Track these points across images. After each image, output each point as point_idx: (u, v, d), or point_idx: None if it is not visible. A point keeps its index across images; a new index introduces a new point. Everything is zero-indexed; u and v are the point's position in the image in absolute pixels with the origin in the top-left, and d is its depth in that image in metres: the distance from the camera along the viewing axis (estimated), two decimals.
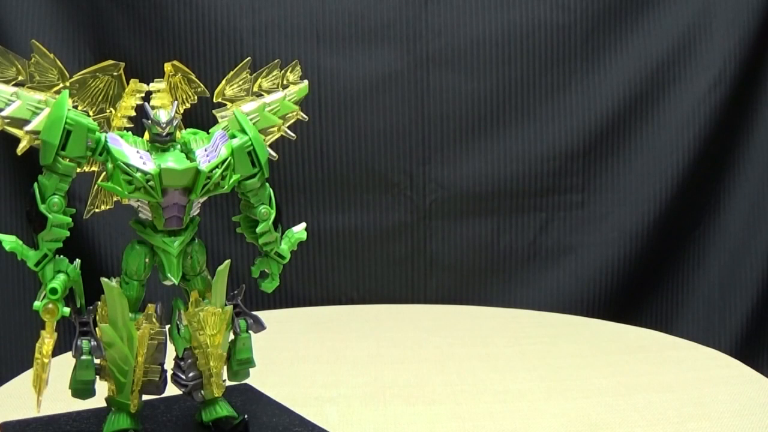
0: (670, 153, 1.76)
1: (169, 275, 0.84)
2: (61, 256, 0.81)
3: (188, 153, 0.83)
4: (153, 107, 0.83)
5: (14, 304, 1.68)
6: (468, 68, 1.73)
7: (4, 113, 0.78)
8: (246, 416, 0.89)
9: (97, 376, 0.85)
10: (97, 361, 0.84)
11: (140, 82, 0.85)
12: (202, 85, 0.88)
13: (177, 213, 0.83)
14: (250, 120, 0.87)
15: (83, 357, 0.83)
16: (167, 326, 0.87)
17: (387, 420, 0.99)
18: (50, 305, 0.79)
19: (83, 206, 0.87)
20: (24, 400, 0.99)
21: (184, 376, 0.88)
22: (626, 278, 1.79)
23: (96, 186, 0.87)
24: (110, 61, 0.84)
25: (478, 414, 1.00)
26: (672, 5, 1.75)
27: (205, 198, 0.84)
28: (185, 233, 0.85)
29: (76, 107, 0.81)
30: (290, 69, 0.92)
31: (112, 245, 1.66)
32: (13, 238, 0.80)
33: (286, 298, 1.71)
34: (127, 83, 0.85)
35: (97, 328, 0.83)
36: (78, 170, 0.81)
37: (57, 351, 0.83)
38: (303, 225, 0.94)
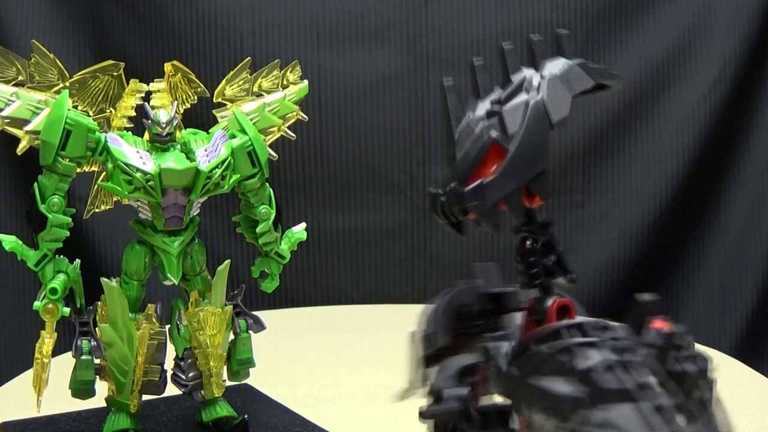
0: (670, 153, 1.76)
1: (169, 275, 0.84)
2: (61, 256, 0.81)
3: (188, 153, 0.83)
4: (153, 107, 0.83)
5: (14, 304, 1.67)
6: (468, 68, 1.73)
7: (4, 113, 0.78)
8: (246, 416, 0.89)
9: (97, 376, 0.85)
10: (97, 361, 0.84)
11: (140, 82, 0.86)
12: (202, 85, 0.88)
13: (177, 213, 0.83)
14: (250, 120, 0.87)
15: (83, 357, 0.83)
16: (167, 326, 0.88)
17: (387, 420, 0.99)
18: (50, 305, 0.79)
19: (83, 206, 0.88)
20: (24, 400, 0.99)
21: (184, 376, 0.88)
22: (626, 278, 1.79)
23: (96, 186, 0.87)
24: (110, 61, 0.84)
25: None
26: (672, 5, 1.75)
27: (205, 198, 0.84)
28: (185, 233, 0.85)
29: (76, 107, 0.82)
30: (290, 69, 0.92)
31: (112, 245, 1.65)
32: (13, 238, 0.80)
33: (286, 298, 1.71)
34: (127, 83, 0.85)
35: (97, 328, 0.83)
36: (78, 170, 0.81)
37: (57, 351, 0.83)
38: (303, 225, 0.94)
